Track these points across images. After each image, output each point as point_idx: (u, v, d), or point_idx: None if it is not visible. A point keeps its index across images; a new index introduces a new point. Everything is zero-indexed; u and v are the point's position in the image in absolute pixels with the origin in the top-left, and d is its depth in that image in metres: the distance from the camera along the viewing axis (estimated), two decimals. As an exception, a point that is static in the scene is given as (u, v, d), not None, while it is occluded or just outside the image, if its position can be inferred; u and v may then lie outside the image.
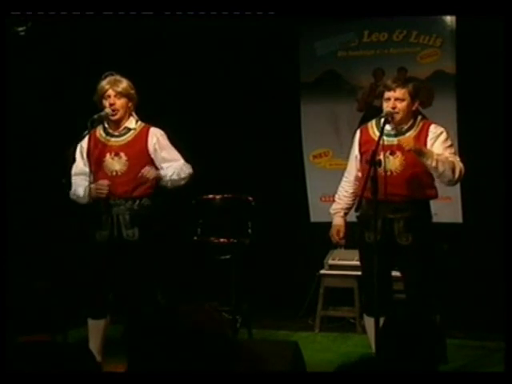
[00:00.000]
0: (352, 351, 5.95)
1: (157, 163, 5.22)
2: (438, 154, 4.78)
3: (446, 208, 6.50)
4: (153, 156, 5.21)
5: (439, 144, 4.89)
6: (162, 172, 5.17)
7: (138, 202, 5.18)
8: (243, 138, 7.07)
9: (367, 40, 6.86)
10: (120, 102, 5.16)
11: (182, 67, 7.00)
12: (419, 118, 5.04)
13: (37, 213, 6.60)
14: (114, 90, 5.14)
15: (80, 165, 5.26)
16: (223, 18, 5.03)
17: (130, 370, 2.80)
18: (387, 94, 4.95)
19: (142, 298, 5.09)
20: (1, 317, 4.78)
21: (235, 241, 6.18)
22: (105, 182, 5.11)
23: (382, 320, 4.35)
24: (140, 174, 5.08)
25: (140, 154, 5.19)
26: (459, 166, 4.85)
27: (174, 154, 5.26)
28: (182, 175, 5.20)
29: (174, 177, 5.17)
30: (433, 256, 5.00)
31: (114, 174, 5.18)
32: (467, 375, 2.82)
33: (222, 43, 6.96)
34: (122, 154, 5.17)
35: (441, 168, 4.74)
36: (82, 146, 5.26)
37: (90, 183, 5.14)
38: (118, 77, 5.21)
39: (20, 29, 6.35)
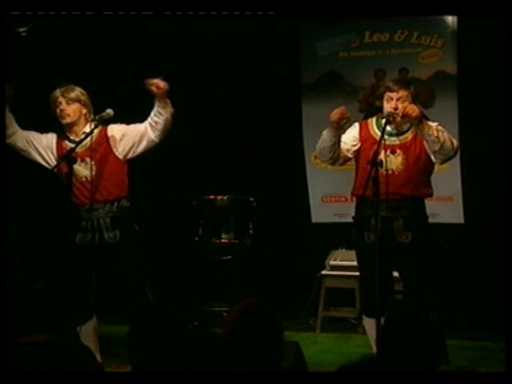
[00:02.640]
0: (353, 352, 5.94)
1: (130, 144, 5.17)
2: (436, 125, 4.85)
3: (448, 208, 6.50)
4: (119, 146, 5.18)
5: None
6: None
7: (116, 204, 5.17)
8: (244, 138, 7.06)
9: (368, 41, 6.85)
10: (71, 108, 5.16)
11: (182, 68, 6.99)
12: None
13: (37, 212, 6.61)
14: (65, 97, 5.15)
15: (40, 137, 5.26)
16: (223, 18, 5.03)
17: (135, 369, 2.81)
18: (389, 95, 4.97)
19: (133, 298, 5.10)
20: (1, 317, 4.78)
21: (236, 241, 6.20)
22: None
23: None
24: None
25: (106, 155, 5.17)
26: (454, 139, 4.93)
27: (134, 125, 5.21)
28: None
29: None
30: (431, 254, 5.00)
31: (84, 179, 5.14)
32: (467, 375, 2.81)
33: (223, 43, 6.96)
34: (88, 159, 5.15)
35: (441, 138, 4.78)
36: (48, 159, 5.24)
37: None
38: (71, 86, 5.22)
39: (21, 29, 6.36)
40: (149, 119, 5.11)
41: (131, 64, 6.61)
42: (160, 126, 5.08)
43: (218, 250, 6.39)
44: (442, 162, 5.06)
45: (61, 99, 5.16)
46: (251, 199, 6.30)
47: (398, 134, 4.97)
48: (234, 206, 6.28)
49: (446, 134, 4.83)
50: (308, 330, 6.66)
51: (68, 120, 5.17)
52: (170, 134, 5.35)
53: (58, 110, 5.17)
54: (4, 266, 4.96)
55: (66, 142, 5.22)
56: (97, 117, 5.14)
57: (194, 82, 6.96)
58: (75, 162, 5.02)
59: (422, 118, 4.80)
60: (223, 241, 6.24)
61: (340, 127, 5.02)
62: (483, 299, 6.18)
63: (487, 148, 6.21)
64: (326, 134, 5.11)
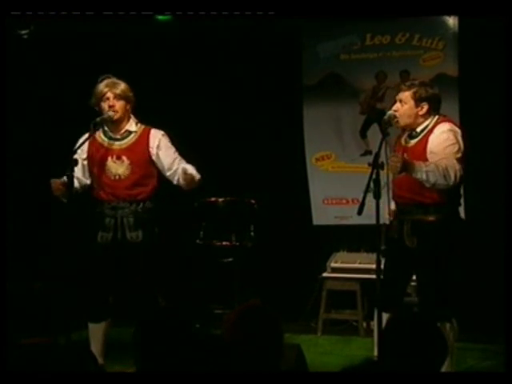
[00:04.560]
0: (354, 354, 5.95)
1: (160, 165, 5.22)
2: (427, 165, 4.70)
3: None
4: (154, 158, 5.23)
5: (438, 143, 4.84)
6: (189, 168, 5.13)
7: (141, 204, 5.20)
8: (246, 140, 7.06)
9: (370, 43, 6.85)
10: (119, 104, 5.16)
11: (183, 69, 7.00)
12: (436, 117, 4.96)
13: (37, 213, 6.60)
14: (113, 92, 5.15)
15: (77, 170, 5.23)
16: (223, 18, 5.04)
17: (141, 369, 2.81)
18: (396, 96, 5.00)
19: (143, 300, 5.10)
20: (2, 319, 4.78)
21: (238, 244, 6.19)
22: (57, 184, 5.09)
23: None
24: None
25: (142, 158, 5.21)
26: (454, 169, 4.71)
27: (176, 154, 5.26)
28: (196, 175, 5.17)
29: (193, 171, 5.12)
30: (441, 263, 4.92)
31: (117, 177, 5.19)
32: (467, 376, 2.80)
33: (223, 44, 6.96)
34: (125, 158, 5.19)
35: (432, 179, 4.65)
36: (78, 153, 5.19)
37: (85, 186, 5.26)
38: (114, 79, 5.22)
39: (23, 32, 6.37)
40: (181, 169, 5.14)
41: (132, 65, 6.60)
42: (180, 183, 5.22)
43: (219, 253, 6.38)
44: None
45: (109, 94, 5.15)
46: (252, 201, 6.29)
47: (412, 137, 4.95)
48: (236, 208, 6.27)
49: (437, 172, 4.65)
50: (309, 332, 6.66)
51: (117, 116, 5.17)
52: (169, 135, 5.35)
53: (105, 106, 5.15)
54: (4, 266, 4.97)
55: (102, 136, 5.25)
56: (98, 119, 5.14)
57: (194, 83, 6.97)
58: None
59: (407, 165, 4.69)
60: (224, 243, 6.22)
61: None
62: (484, 300, 6.16)
63: (488, 149, 6.20)
64: None
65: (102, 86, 5.17)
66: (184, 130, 6.44)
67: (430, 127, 4.93)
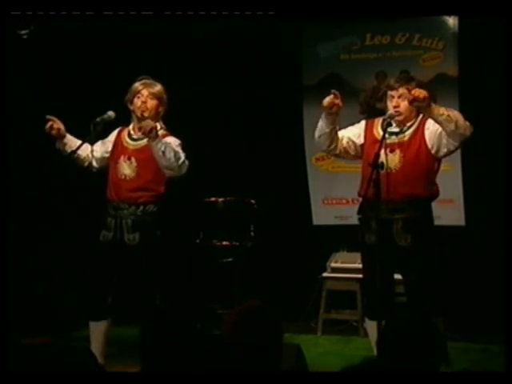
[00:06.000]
0: (354, 354, 5.94)
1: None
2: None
3: (449, 211, 6.48)
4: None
5: (436, 130, 4.86)
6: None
7: (142, 207, 5.18)
8: (245, 140, 7.07)
9: (370, 43, 6.85)
10: (151, 103, 5.18)
11: (182, 69, 7.00)
12: (421, 115, 4.98)
13: (37, 213, 6.61)
14: (148, 91, 5.17)
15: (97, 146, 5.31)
16: (223, 18, 5.05)
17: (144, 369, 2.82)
18: (390, 93, 4.97)
19: (142, 301, 5.11)
20: (2, 319, 4.79)
21: (237, 244, 6.20)
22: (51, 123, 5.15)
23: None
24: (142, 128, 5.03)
25: (148, 161, 5.17)
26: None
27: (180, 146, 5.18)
28: (181, 154, 5.07)
29: (172, 146, 5.03)
30: (434, 258, 4.95)
31: (123, 177, 5.20)
32: (467, 375, 2.80)
33: (224, 45, 6.96)
34: (133, 159, 5.19)
35: (453, 117, 4.68)
36: (108, 140, 5.30)
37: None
38: (152, 80, 5.24)
39: (23, 32, 6.38)
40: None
41: (131, 65, 6.60)
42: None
43: (219, 253, 6.39)
44: (459, 145, 4.91)
45: (144, 91, 5.17)
46: (252, 201, 6.31)
47: (400, 132, 4.95)
48: (235, 208, 6.28)
49: (456, 113, 4.75)
50: (309, 332, 6.66)
51: (146, 114, 5.17)
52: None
53: (138, 102, 5.17)
54: (4, 266, 4.97)
55: (125, 134, 5.28)
56: (98, 119, 5.14)
57: (193, 84, 6.96)
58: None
59: (430, 101, 4.72)
60: (224, 243, 6.24)
61: (333, 113, 4.98)
62: (484, 301, 6.16)
63: (488, 150, 6.20)
64: (321, 122, 5.08)
65: (137, 84, 5.22)
66: (183, 130, 6.44)
67: (419, 119, 4.95)
